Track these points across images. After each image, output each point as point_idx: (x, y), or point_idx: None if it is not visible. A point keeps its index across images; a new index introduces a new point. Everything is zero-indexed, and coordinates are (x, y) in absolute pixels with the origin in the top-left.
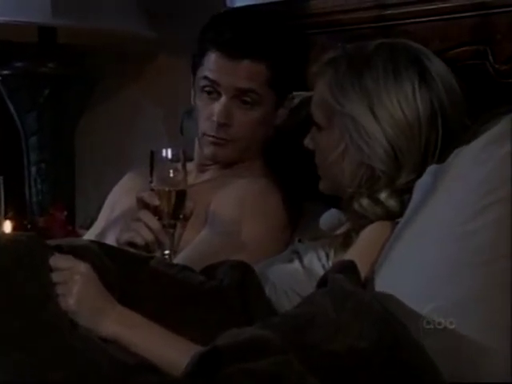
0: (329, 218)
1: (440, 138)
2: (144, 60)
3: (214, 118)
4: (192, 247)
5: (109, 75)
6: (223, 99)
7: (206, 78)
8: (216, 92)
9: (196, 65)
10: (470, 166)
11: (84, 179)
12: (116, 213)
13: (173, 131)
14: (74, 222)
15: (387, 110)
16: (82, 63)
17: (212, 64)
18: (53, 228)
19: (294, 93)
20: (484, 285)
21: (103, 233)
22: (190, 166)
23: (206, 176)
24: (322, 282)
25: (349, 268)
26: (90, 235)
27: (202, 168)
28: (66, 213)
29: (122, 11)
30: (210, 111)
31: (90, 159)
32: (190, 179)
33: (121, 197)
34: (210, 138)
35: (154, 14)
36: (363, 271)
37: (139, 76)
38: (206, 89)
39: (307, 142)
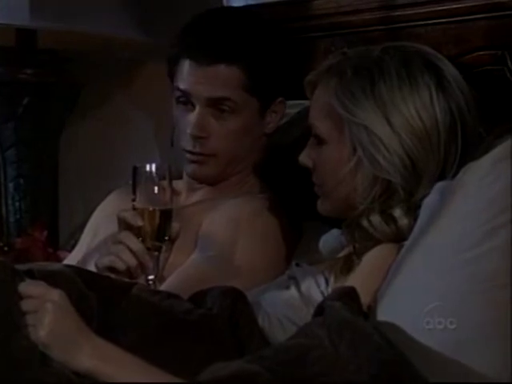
0: (329, 239)
1: (459, 147)
2: (133, 67)
3: (188, 131)
4: (180, 272)
5: (94, 83)
6: (197, 110)
7: (178, 88)
8: (190, 103)
9: (172, 72)
10: (478, 184)
11: (68, 196)
12: (99, 239)
13: (164, 142)
14: (57, 243)
15: (405, 119)
16: (64, 70)
17: (183, 73)
18: (31, 250)
19: (289, 102)
20: (496, 311)
21: (84, 261)
22: (179, 185)
23: (197, 197)
24: (319, 311)
25: (348, 295)
26: (70, 261)
27: (192, 187)
28: (46, 233)
29: (108, 13)
30: (186, 124)
31: (74, 174)
32: (180, 201)
33: (105, 221)
34: (188, 155)
35: (144, 17)
36: (365, 299)
37: (127, 84)
38: (181, 99)
39: (304, 158)
